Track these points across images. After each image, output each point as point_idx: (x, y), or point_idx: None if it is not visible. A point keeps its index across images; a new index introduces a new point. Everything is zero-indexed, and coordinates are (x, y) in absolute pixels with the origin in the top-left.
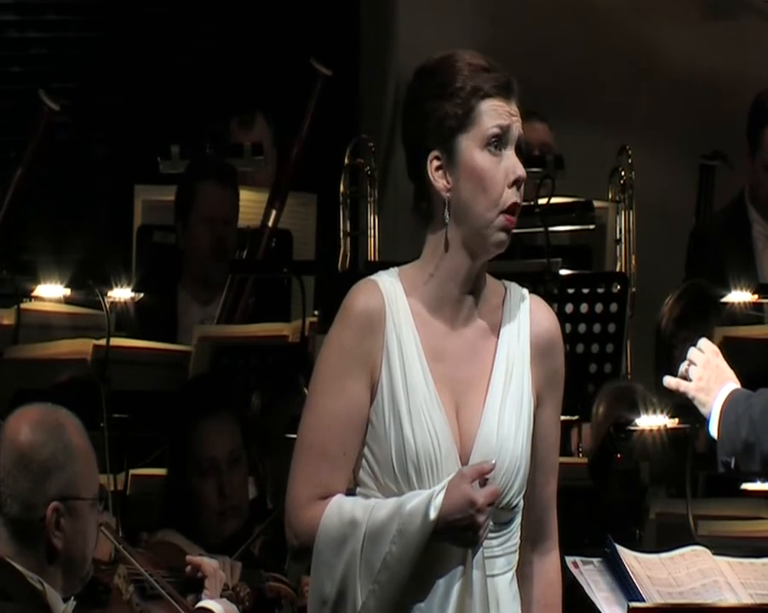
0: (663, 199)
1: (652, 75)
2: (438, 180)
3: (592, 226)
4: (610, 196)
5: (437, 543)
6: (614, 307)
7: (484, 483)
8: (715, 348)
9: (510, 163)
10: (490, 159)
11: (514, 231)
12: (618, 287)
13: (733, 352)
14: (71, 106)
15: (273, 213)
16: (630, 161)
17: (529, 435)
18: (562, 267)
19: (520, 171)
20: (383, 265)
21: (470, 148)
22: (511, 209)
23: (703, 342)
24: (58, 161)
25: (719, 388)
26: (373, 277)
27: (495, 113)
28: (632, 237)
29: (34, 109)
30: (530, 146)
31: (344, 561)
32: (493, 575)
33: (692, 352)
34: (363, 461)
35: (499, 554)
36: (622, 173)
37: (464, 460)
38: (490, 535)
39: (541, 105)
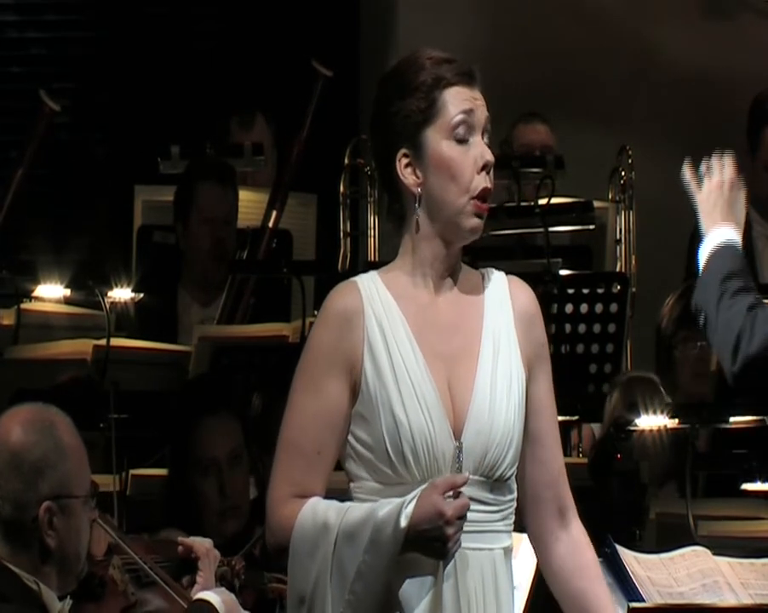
0: (663, 199)
1: (652, 74)
2: (408, 177)
3: (592, 226)
4: (610, 196)
5: (410, 553)
6: (614, 307)
7: (457, 495)
8: (735, 182)
9: (478, 150)
10: (457, 149)
11: (515, 231)
12: (618, 287)
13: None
14: (71, 106)
15: (274, 213)
16: (630, 161)
17: (521, 408)
18: (562, 267)
19: (488, 156)
20: (383, 265)
21: (437, 140)
22: (482, 195)
23: (729, 166)
24: (58, 161)
25: (720, 221)
26: (352, 278)
27: (457, 100)
28: (632, 237)
29: (34, 109)
30: (531, 146)
31: (317, 563)
32: (491, 549)
33: (717, 165)
34: (354, 453)
35: (502, 529)
36: (622, 173)
37: (457, 434)
38: (490, 508)
39: (541, 105)
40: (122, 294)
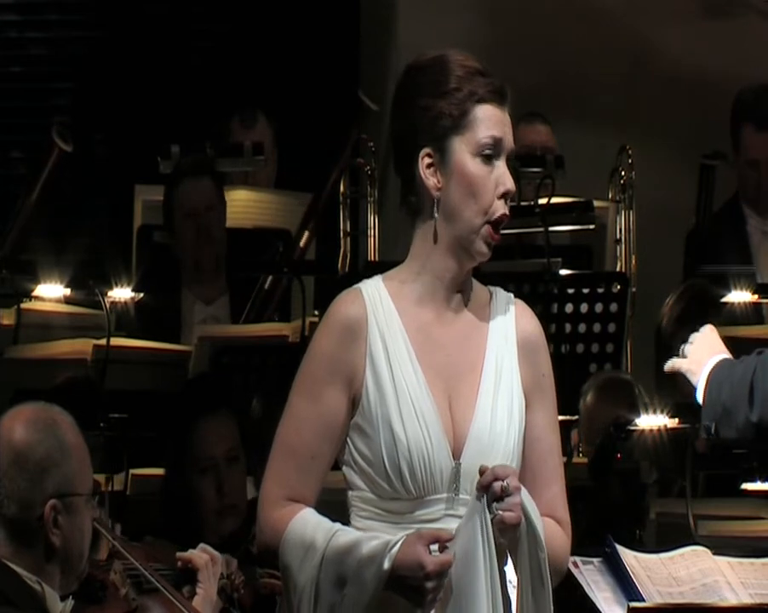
0: (663, 199)
1: (652, 75)
2: (429, 178)
3: (592, 226)
4: (610, 196)
5: (391, 592)
6: (614, 307)
7: (443, 549)
8: (712, 328)
9: (500, 174)
10: (482, 168)
11: (515, 231)
12: (618, 287)
13: (733, 352)
14: (71, 106)
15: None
16: (630, 161)
17: (520, 434)
18: (562, 267)
19: (510, 184)
20: (383, 265)
21: (463, 152)
22: (498, 221)
23: (704, 327)
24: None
25: (708, 359)
26: (357, 285)
27: (490, 122)
28: (632, 237)
29: (34, 109)
30: (532, 146)
31: (302, 581)
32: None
33: (692, 335)
34: (354, 464)
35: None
36: (622, 173)
37: (456, 454)
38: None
39: (540, 105)
40: (122, 293)
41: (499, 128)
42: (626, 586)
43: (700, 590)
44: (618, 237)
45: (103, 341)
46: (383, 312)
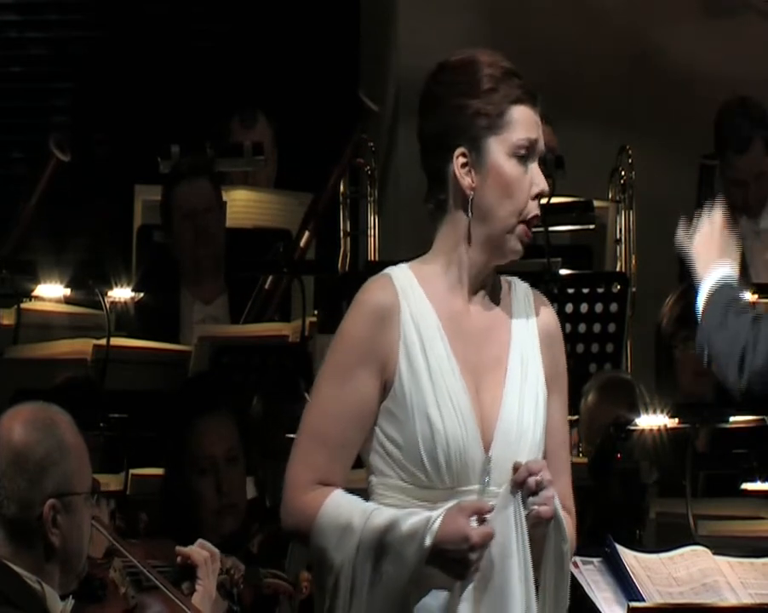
0: (663, 199)
1: (652, 75)
2: (464, 177)
3: (592, 226)
4: (610, 196)
5: (430, 568)
6: (614, 307)
7: (482, 521)
8: (723, 222)
9: (534, 175)
10: (518, 168)
11: None
12: (618, 287)
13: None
14: (70, 106)
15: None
16: (630, 161)
17: (544, 425)
18: (562, 267)
19: (544, 185)
20: (383, 265)
21: (498, 152)
22: (531, 221)
23: (717, 214)
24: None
25: (714, 264)
26: (385, 271)
27: (526, 123)
28: (632, 237)
29: (34, 109)
30: None
31: (339, 561)
32: None
33: (704, 218)
34: (381, 449)
35: None
36: (622, 173)
37: (485, 446)
38: None
39: (541, 105)
40: (122, 293)
41: (534, 129)
42: (626, 586)
43: (700, 590)
44: (618, 237)
45: (103, 341)
46: (415, 300)
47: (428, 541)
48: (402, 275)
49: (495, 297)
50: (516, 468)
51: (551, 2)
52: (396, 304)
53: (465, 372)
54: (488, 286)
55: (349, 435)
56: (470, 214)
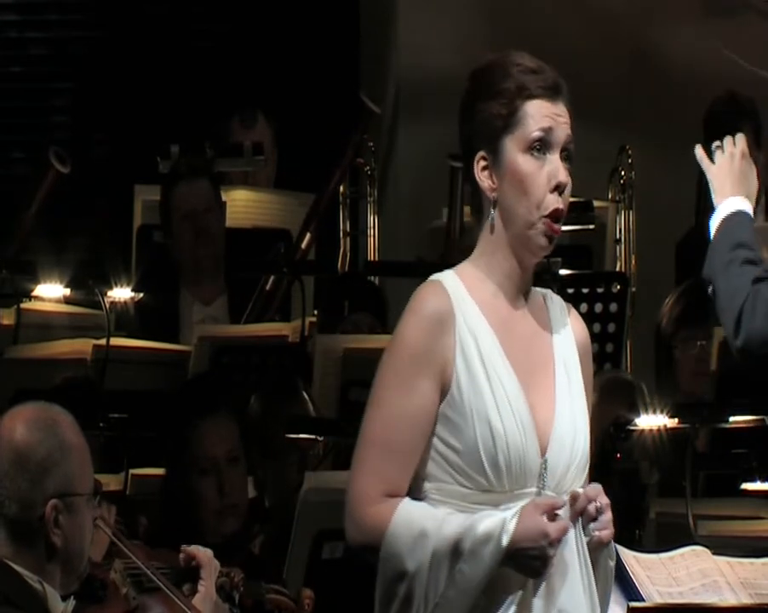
0: (663, 199)
1: (652, 74)
2: (485, 181)
3: (592, 226)
4: (610, 196)
5: (501, 568)
6: (614, 307)
7: (553, 517)
8: (746, 156)
9: (553, 168)
10: (532, 163)
11: None
12: (618, 287)
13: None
14: (71, 106)
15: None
16: (630, 161)
17: (588, 433)
18: (562, 267)
19: (562, 177)
20: (383, 265)
21: (514, 151)
22: (553, 215)
23: (741, 139)
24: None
25: (732, 193)
26: (435, 277)
27: (538, 116)
28: (632, 237)
29: (34, 109)
30: None
31: (412, 567)
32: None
33: (728, 140)
34: (437, 455)
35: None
36: (622, 173)
37: (541, 450)
38: None
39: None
40: (122, 293)
41: (548, 120)
42: (626, 586)
43: (700, 590)
44: (618, 237)
45: (103, 341)
46: (467, 306)
47: (505, 541)
48: (451, 281)
49: (534, 306)
50: (574, 498)
51: (551, 2)
52: (450, 309)
53: (518, 377)
54: (527, 294)
55: (416, 443)
56: (493, 216)
